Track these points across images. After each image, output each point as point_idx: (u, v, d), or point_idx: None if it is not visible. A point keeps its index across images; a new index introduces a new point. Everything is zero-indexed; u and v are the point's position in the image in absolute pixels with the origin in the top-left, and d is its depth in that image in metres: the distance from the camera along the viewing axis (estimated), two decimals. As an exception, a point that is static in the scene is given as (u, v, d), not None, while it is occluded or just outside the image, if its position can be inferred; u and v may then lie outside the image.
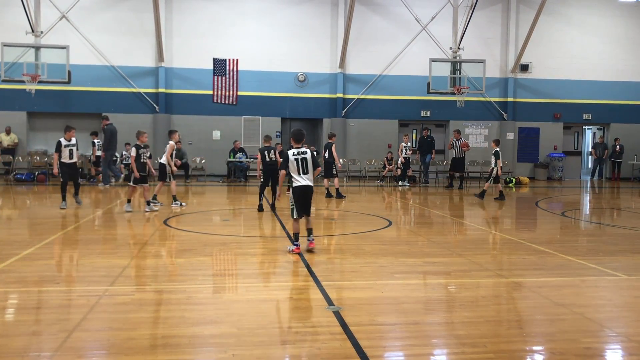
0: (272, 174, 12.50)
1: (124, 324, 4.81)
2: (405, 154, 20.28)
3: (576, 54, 24.08)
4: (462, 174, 19.82)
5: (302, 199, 7.76)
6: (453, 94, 21.63)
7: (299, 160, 7.75)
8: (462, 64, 21.91)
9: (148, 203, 12.18)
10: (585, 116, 24.50)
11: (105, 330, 4.70)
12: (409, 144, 20.63)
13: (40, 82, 19.38)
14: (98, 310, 5.18)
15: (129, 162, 12.77)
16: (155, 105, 21.91)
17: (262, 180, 12.69)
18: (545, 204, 15.28)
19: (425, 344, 4.54)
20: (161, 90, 21.90)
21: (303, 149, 7.83)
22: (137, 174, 12.02)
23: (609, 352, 4.52)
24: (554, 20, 23.81)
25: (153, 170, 12.70)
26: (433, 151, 20.92)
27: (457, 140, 19.64)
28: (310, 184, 7.82)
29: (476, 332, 4.76)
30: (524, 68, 23.82)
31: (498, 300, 5.93)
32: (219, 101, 22.28)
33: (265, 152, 12.66)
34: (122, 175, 18.41)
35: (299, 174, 7.74)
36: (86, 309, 5.17)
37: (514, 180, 21.37)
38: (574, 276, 6.84)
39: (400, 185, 20.07)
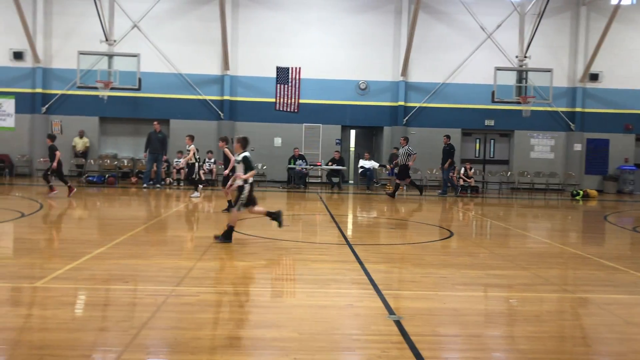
0: None
1: (190, 323, 4.96)
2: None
3: (650, 63, 23.10)
4: None
5: None
6: (518, 103, 21.14)
7: None
8: (529, 72, 21.40)
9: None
10: (658, 127, 23.45)
11: (171, 329, 4.85)
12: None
13: (113, 88, 20.22)
14: (165, 309, 5.36)
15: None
16: (220, 112, 22.46)
17: None
18: (614, 218, 14.69)
19: (487, 357, 4.47)
20: (226, 97, 22.45)
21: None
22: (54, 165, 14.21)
23: (683, 374, 4.32)
24: (626, 28, 22.91)
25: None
26: (450, 160, 19.53)
27: None
28: None
29: (540, 347, 4.64)
30: (594, 77, 23.04)
31: (563, 315, 5.76)
32: (281, 109, 22.60)
33: None
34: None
35: None
36: (153, 307, 5.35)
37: (581, 192, 20.65)
38: (645, 294, 6.56)
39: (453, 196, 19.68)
